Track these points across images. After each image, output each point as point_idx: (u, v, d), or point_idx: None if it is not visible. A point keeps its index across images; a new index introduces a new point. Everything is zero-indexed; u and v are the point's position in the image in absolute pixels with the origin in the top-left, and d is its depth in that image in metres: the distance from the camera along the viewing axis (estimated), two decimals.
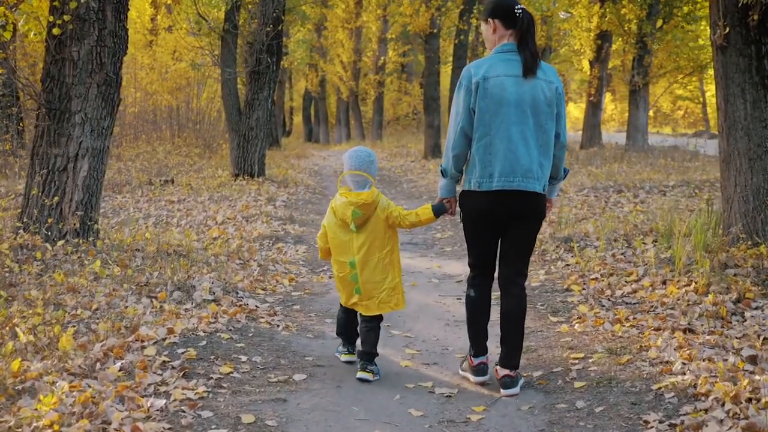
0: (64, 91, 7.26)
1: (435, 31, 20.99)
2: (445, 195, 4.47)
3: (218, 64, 15.83)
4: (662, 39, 20.08)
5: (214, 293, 5.94)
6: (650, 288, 6.00)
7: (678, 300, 5.59)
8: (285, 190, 13.91)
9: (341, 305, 4.75)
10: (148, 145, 21.07)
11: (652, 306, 5.61)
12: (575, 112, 46.67)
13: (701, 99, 43.34)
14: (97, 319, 5.22)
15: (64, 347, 4.50)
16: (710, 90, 41.76)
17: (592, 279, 6.46)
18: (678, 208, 10.45)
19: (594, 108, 23.23)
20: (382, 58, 32.15)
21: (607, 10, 20.35)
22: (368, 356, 4.55)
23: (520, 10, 4.21)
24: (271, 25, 14.53)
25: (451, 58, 31.66)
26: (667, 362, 4.33)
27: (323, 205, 12.78)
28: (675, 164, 16.07)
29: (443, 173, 4.38)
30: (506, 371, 4.26)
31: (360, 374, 4.50)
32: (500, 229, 4.29)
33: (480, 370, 4.44)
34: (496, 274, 4.46)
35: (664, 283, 6.06)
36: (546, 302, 6.09)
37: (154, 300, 5.67)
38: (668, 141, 24.28)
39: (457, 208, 4.52)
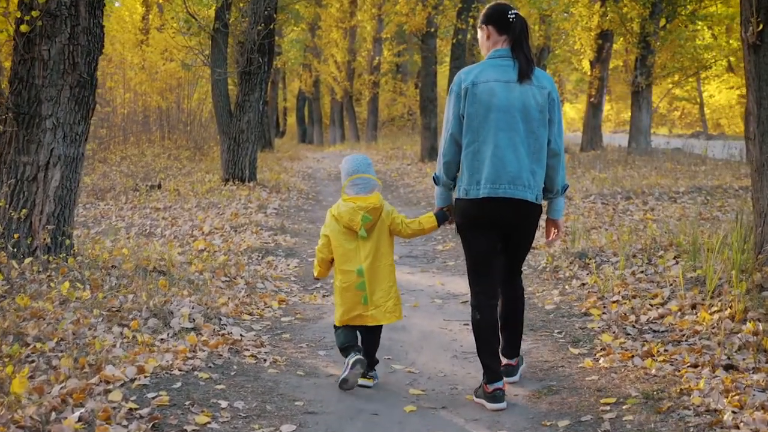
0: (33, 93, 6.64)
1: (432, 30, 20.37)
2: (441, 204, 4.42)
3: (208, 64, 15.22)
4: (666, 38, 19.47)
5: (193, 320, 5.32)
6: (679, 313, 5.40)
7: (712, 328, 5.00)
8: (277, 196, 13.30)
9: (336, 327, 4.50)
10: (136, 148, 20.43)
11: (683, 335, 5.02)
12: (571, 112, 46.12)
13: (698, 99, 42.82)
14: (61, 351, 4.61)
15: (16, 391, 3.89)
16: (707, 90, 41.24)
17: (613, 302, 5.85)
18: (691, 216, 9.87)
19: (594, 109, 22.67)
20: (377, 58, 31.58)
21: (609, 8, 19.76)
22: (370, 364, 4.50)
23: (513, 15, 4.16)
24: (262, 24, 13.91)
25: (446, 58, 31.09)
26: (714, 411, 3.73)
27: (316, 213, 12.17)
28: (682, 168, 15.49)
29: (435, 181, 4.33)
30: (506, 360, 4.43)
31: (362, 381, 4.44)
32: (494, 238, 4.17)
33: (495, 396, 4.12)
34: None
35: (693, 307, 5.46)
36: (563, 329, 5.48)
37: (126, 329, 5.05)
38: (672, 143, 23.71)
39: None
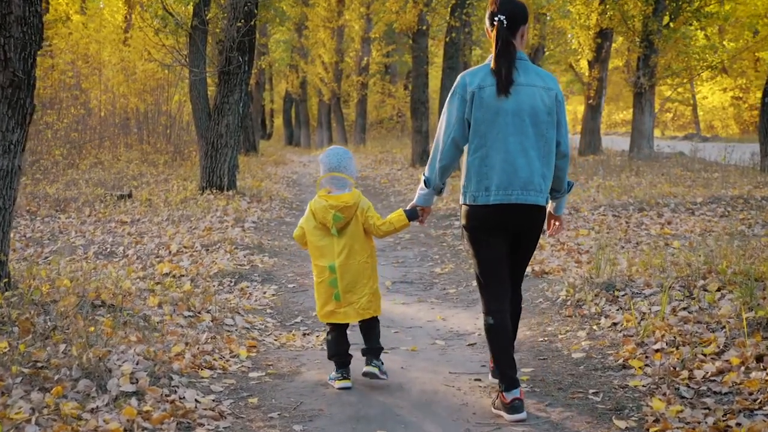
0: None
1: (423, 28, 19.31)
2: (421, 204, 4.39)
3: (185, 64, 14.12)
4: (669, 37, 18.44)
5: (136, 381, 4.22)
6: (742, 367, 4.35)
7: None
8: (257, 206, 12.21)
9: (326, 324, 4.61)
10: (111, 152, 19.30)
11: (754, 399, 3.97)
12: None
13: (691, 101, 41.94)
14: None
15: None
16: (700, 92, 40.40)
17: (656, 350, 4.78)
18: (713, 231, 8.86)
19: (593, 111, 21.70)
20: (365, 58, 30.58)
21: (608, 6, 18.75)
22: (373, 351, 4.51)
23: (498, 20, 3.98)
24: (242, 20, 12.84)
25: (437, 59, 30.03)
26: None
27: None
28: (692, 175, 14.47)
29: (426, 183, 4.25)
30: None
31: (366, 369, 4.44)
32: (503, 242, 4.10)
33: (514, 407, 4.00)
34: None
35: (759, 359, 4.40)
36: (600, 389, 4.39)
37: (48, 394, 3.96)
38: (676, 146, 22.72)
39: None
